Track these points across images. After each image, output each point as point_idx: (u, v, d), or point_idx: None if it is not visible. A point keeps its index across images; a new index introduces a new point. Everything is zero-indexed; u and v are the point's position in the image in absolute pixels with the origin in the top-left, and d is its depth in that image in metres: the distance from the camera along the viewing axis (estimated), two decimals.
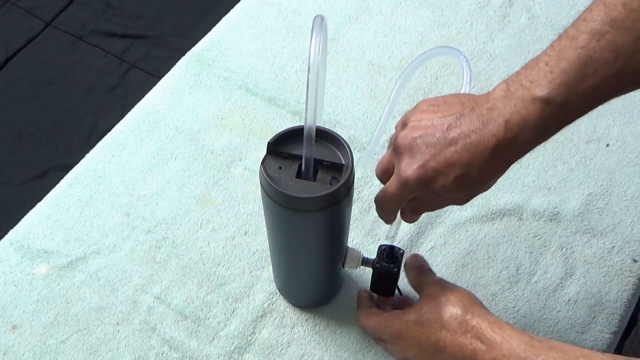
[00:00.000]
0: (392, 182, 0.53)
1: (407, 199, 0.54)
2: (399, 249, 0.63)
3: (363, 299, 0.66)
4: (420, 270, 0.61)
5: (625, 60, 0.44)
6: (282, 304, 0.70)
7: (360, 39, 0.92)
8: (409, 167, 0.50)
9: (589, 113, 0.87)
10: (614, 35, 0.44)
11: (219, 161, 0.80)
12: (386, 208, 0.57)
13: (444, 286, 0.56)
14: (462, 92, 0.55)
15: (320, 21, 0.47)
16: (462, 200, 0.53)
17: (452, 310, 0.52)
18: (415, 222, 0.75)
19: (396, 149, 0.52)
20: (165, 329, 0.69)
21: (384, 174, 0.56)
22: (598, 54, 0.44)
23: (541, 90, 0.46)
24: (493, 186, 0.80)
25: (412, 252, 0.73)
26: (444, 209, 0.76)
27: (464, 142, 0.48)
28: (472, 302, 0.53)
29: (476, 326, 0.50)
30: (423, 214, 0.76)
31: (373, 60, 0.90)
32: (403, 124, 0.53)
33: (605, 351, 0.68)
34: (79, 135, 1.10)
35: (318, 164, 0.54)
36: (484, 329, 0.50)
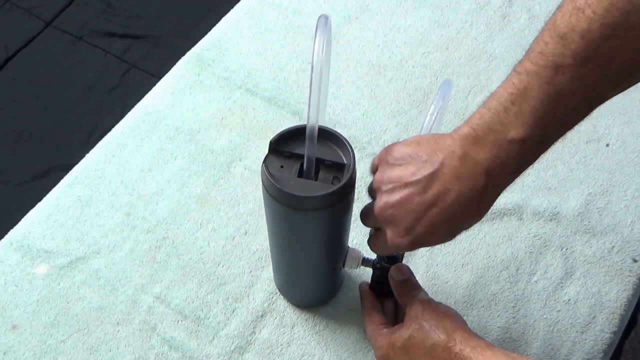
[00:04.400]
0: (384, 244, 0.54)
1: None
2: None
3: (365, 295, 0.66)
4: (404, 286, 0.61)
5: (592, 87, 0.44)
6: (282, 303, 0.70)
7: (360, 39, 0.92)
8: (397, 235, 0.51)
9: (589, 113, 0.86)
10: (578, 67, 0.43)
11: (219, 161, 0.80)
12: (379, 254, 0.60)
13: (426, 307, 0.57)
14: (425, 124, 0.53)
15: (324, 21, 0.47)
16: (453, 239, 0.53)
17: (435, 336, 0.54)
18: None
19: (380, 218, 0.52)
20: (165, 329, 0.69)
21: (367, 221, 0.57)
22: (565, 87, 0.44)
23: (516, 132, 0.45)
24: None
25: (412, 252, 0.74)
26: None
27: (444, 201, 0.48)
28: (455, 325, 0.54)
29: (459, 353, 0.52)
30: None
31: (373, 60, 0.90)
32: (379, 189, 0.52)
33: (605, 351, 0.69)
34: (79, 135, 1.10)
35: (320, 163, 0.54)
36: (467, 354, 0.52)
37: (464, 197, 0.47)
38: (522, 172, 0.48)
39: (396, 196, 0.50)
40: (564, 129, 0.46)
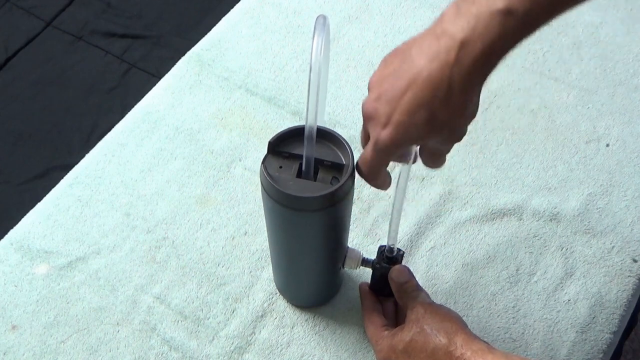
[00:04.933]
0: (369, 148, 0.50)
1: (388, 161, 0.51)
2: (399, 249, 0.63)
3: (366, 295, 0.66)
4: (404, 288, 0.61)
5: None
6: (282, 304, 0.70)
7: (360, 39, 0.92)
8: (377, 129, 0.48)
9: (589, 113, 0.87)
10: None
11: (219, 161, 0.80)
12: (367, 173, 0.53)
13: (428, 310, 0.57)
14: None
15: (322, 21, 0.47)
16: (456, 135, 0.49)
17: (436, 340, 0.54)
18: (415, 222, 0.75)
19: (364, 117, 0.50)
20: (165, 329, 0.69)
21: (361, 138, 0.55)
22: None
23: (501, 1, 0.42)
24: (493, 186, 0.80)
25: (412, 252, 0.74)
26: (444, 210, 0.76)
27: (415, 84, 0.45)
28: (456, 328, 0.54)
29: (460, 357, 0.52)
30: (422, 213, 0.76)
31: (373, 60, 0.90)
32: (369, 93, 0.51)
33: (605, 351, 0.69)
34: (79, 135, 1.10)
35: (319, 163, 0.54)
36: (468, 357, 0.52)
37: (435, 76, 0.44)
38: (501, 54, 0.44)
39: (377, 91, 0.48)
40: (550, 9, 0.43)
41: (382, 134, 0.48)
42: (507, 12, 0.42)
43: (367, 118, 0.49)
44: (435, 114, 0.45)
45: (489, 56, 0.44)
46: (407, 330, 0.57)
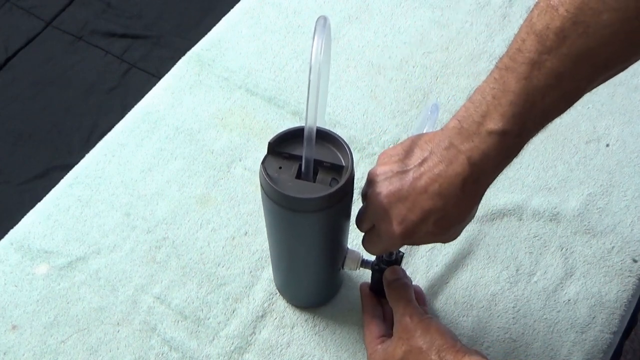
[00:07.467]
0: (377, 239, 0.55)
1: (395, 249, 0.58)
2: (399, 251, 0.63)
3: (366, 298, 0.66)
4: (393, 286, 0.61)
5: (569, 83, 0.45)
6: (282, 304, 0.70)
7: (360, 39, 0.92)
8: (389, 226, 0.52)
9: (589, 113, 0.87)
10: (553, 62, 0.44)
11: (219, 161, 0.80)
12: (375, 254, 0.59)
13: (418, 326, 0.57)
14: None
15: (323, 22, 0.47)
16: (449, 238, 0.54)
17: (427, 359, 0.55)
18: None
19: (372, 210, 0.53)
20: (165, 329, 0.69)
21: (362, 223, 0.57)
22: (542, 82, 0.45)
23: (495, 124, 0.46)
24: (493, 186, 0.80)
25: (412, 252, 0.74)
26: None
27: (433, 188, 0.49)
28: (447, 346, 0.55)
29: None
30: None
31: (373, 60, 0.90)
32: (371, 182, 0.53)
33: (605, 351, 0.69)
34: (79, 135, 1.10)
35: (318, 164, 0.54)
36: None
37: (451, 183, 0.49)
38: (506, 164, 0.49)
39: (389, 185, 0.51)
40: (543, 122, 0.47)
41: (394, 230, 0.52)
42: (502, 133, 0.47)
43: (378, 211, 0.52)
44: (447, 215, 0.50)
45: (497, 168, 0.49)
46: (398, 347, 0.57)
